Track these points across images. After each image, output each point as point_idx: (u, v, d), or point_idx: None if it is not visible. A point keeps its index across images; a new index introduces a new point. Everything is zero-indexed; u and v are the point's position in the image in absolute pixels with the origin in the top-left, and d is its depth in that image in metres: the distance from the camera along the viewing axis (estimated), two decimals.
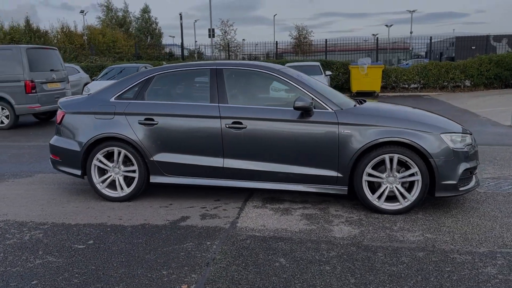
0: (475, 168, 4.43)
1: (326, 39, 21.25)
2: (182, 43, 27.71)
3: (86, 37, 37.39)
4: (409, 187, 4.27)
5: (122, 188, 4.76)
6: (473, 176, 4.49)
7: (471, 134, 4.50)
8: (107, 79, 14.23)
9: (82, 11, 44.14)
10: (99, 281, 2.98)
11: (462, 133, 4.37)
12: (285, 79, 4.54)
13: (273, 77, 4.61)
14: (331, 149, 4.30)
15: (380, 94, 17.68)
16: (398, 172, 4.24)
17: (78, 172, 4.85)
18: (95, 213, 4.39)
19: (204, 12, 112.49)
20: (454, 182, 4.18)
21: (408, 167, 4.19)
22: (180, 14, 37.00)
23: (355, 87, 17.09)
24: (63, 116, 4.93)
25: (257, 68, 4.70)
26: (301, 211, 4.37)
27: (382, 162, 4.21)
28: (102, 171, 4.82)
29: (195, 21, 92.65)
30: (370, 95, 17.17)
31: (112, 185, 4.81)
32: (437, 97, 16.72)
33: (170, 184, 4.70)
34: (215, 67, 4.71)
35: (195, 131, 4.56)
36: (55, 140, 5.00)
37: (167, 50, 46.57)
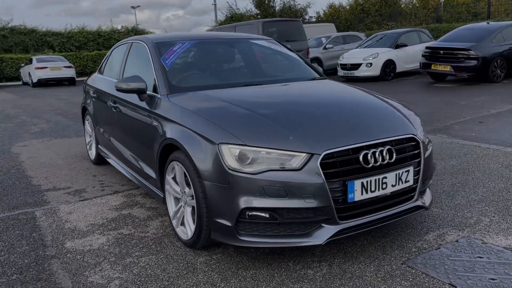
0: (293, 211, 2.38)
1: None
2: None
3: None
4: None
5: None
6: (324, 225, 2.43)
7: (321, 154, 2.38)
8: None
9: None
10: None
11: (286, 150, 2.42)
12: (150, 52, 3.71)
13: (147, 50, 3.82)
14: (148, 143, 3.36)
15: None
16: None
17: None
18: (61, 171, 5.05)
19: None
20: (228, 223, 2.48)
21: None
22: None
23: None
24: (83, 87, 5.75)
25: (141, 40, 4.03)
26: (137, 211, 3.65)
27: None
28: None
29: None
30: None
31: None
32: None
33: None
34: (131, 41, 4.36)
35: (104, 107, 4.48)
36: None
37: None
